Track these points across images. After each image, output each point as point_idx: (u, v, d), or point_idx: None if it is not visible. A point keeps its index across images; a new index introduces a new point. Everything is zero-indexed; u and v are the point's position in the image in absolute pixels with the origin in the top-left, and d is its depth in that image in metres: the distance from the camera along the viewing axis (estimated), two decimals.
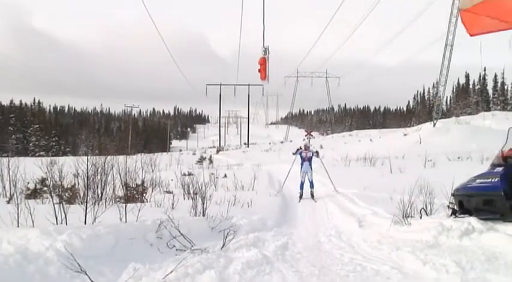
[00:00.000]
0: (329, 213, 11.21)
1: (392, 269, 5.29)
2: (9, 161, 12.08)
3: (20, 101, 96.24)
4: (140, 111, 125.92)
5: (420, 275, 5.03)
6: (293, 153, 15.30)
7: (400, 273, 5.13)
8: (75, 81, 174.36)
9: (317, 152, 14.97)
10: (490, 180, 7.28)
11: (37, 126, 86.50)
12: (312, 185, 14.19)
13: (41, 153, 71.57)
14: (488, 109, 73.29)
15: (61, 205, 7.37)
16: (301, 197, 14.11)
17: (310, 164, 14.45)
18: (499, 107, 76.92)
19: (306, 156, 14.46)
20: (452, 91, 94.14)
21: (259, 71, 10.81)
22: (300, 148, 14.96)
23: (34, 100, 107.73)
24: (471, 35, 7.33)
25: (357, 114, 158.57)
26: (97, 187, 9.99)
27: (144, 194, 11.83)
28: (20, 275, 4.27)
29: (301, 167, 14.46)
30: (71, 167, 10.22)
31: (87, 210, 7.44)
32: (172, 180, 16.18)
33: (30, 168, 11.43)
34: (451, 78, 64.31)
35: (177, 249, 6.17)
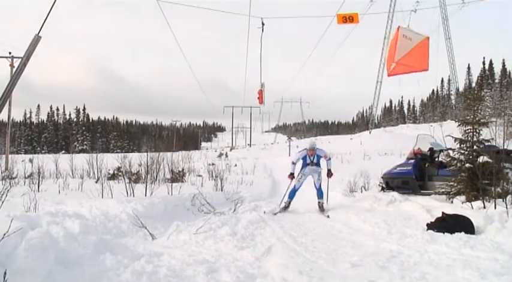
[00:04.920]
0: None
1: (343, 225, 5.28)
2: (97, 156, 12.06)
3: (104, 117, 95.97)
4: (181, 123, 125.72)
5: (361, 229, 5.02)
6: (293, 162, 6.99)
7: (348, 227, 5.12)
8: (139, 104, 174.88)
9: (329, 158, 7.11)
10: (405, 168, 7.32)
11: (115, 133, 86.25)
12: (320, 194, 6.89)
13: (117, 150, 71.08)
14: (404, 122, 72.94)
15: (130, 184, 7.36)
16: (286, 207, 6.90)
17: (318, 165, 6.92)
18: (411, 121, 76.59)
19: (311, 162, 6.85)
20: (381, 111, 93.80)
21: (258, 98, 10.74)
22: (305, 150, 6.94)
23: (113, 116, 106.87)
24: (388, 76, 7.49)
25: (320, 125, 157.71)
26: (153, 172, 9.93)
27: (183, 177, 11.79)
28: (103, 228, 4.25)
29: (302, 168, 6.96)
30: (136, 159, 10.25)
31: (147, 187, 7.42)
32: (201, 168, 16.14)
33: (111, 160, 11.41)
34: (380, 103, 64.60)
35: (204, 212, 6.13)
